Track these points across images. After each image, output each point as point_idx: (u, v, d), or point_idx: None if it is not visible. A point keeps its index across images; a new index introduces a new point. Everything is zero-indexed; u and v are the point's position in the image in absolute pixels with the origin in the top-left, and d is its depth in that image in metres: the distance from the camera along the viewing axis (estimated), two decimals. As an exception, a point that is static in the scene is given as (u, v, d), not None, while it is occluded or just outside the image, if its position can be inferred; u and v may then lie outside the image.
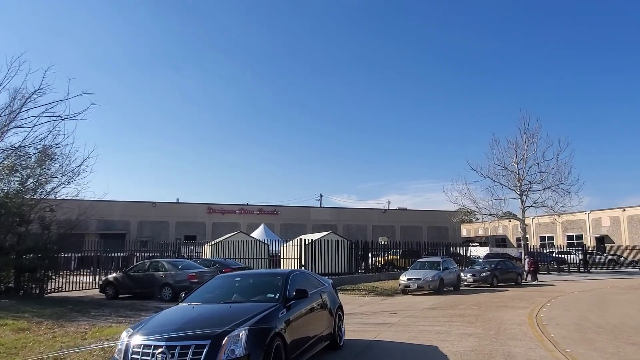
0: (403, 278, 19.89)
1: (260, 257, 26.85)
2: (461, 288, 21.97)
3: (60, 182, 17.61)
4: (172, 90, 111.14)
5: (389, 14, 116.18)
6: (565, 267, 37.35)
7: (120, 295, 16.76)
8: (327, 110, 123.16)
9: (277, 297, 6.01)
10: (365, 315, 12.70)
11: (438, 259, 21.67)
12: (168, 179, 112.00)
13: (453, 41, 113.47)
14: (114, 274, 17.80)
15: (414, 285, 19.34)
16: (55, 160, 17.40)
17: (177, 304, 6.27)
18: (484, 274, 23.35)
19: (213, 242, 29.40)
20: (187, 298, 6.37)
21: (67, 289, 19.19)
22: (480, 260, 28.70)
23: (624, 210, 56.34)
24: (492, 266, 24.14)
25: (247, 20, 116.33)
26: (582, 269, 37.01)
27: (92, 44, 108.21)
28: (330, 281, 8.27)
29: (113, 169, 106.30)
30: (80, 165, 17.37)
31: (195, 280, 15.53)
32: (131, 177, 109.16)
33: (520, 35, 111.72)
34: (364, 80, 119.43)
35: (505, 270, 24.69)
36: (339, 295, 8.42)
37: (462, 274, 23.01)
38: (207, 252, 28.90)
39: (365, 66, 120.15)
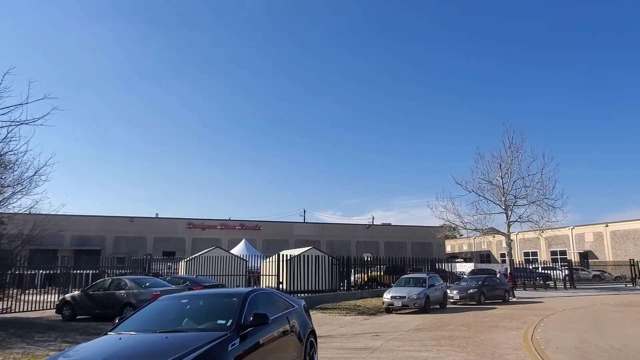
0: (387, 296, 18.75)
1: (237, 273, 25.48)
2: (448, 306, 20.91)
3: (13, 192, 15.95)
4: (155, 106, 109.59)
5: (373, 31, 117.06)
6: (551, 283, 36.68)
7: (78, 317, 15.24)
8: (312, 126, 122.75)
9: (229, 323, 4.82)
10: (345, 339, 11.51)
11: (423, 275, 20.60)
12: (148, 194, 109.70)
13: (438, 57, 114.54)
14: (72, 293, 16.26)
15: (398, 303, 18.20)
16: (9, 168, 15.83)
17: (106, 333, 5.02)
18: (471, 291, 22.35)
19: (188, 259, 27.93)
20: (119, 325, 5.10)
21: (22, 310, 17.52)
22: (466, 277, 27.73)
23: (607, 226, 56.33)
24: (480, 283, 23.17)
25: (229, 34, 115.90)
26: (568, 285, 36.35)
27: (82, 62, 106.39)
28: (302, 302, 7.10)
29: (89, 184, 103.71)
30: (35, 173, 15.73)
31: (160, 300, 14.20)
32: (109, 192, 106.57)
33: (505, 51, 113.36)
34: (348, 96, 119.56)
35: (493, 287, 23.75)
36: (311, 317, 7.23)
37: (448, 291, 21.99)
38: (182, 268, 27.44)
39: (350, 82, 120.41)
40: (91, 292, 15.37)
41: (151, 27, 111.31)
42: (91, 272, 27.95)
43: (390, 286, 23.30)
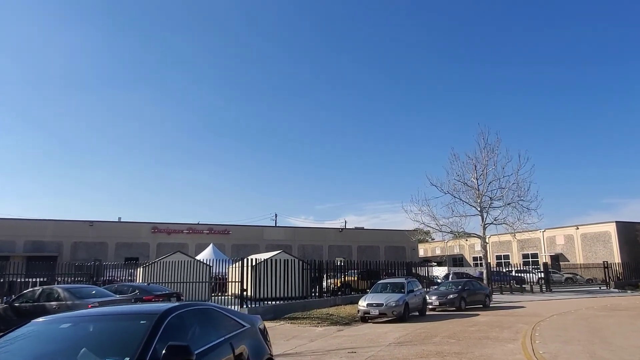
0: (362, 303, 17.03)
1: (200, 280, 23.28)
2: (427, 312, 19.40)
3: None
4: (120, 110, 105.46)
5: (345, 33, 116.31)
6: (527, 287, 35.91)
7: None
8: (284, 130, 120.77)
9: (126, 365, 3.01)
10: (316, 357, 9.73)
11: (402, 280, 18.98)
12: (109, 197, 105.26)
13: (410, 61, 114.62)
14: (-4, 305, 13.89)
15: (375, 311, 16.51)
16: None
17: None
18: (451, 296, 20.91)
19: (146, 264, 25.56)
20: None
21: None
22: (444, 281, 26.34)
23: (578, 229, 56.57)
24: (460, 287, 21.77)
25: (200, 37, 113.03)
26: (544, 288, 35.59)
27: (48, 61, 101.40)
28: (257, 319, 5.28)
29: (46, 187, 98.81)
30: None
31: (99, 313, 12.07)
32: (68, 196, 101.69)
33: (477, 54, 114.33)
34: (321, 99, 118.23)
35: (473, 291, 22.41)
36: (268, 339, 5.34)
37: (426, 297, 20.49)
38: (139, 275, 25.08)
39: (322, 85, 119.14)
40: (17, 305, 13.05)
41: (121, 30, 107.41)
42: (38, 280, 25.28)
43: (366, 292, 21.66)
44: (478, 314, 18.68)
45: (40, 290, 13.10)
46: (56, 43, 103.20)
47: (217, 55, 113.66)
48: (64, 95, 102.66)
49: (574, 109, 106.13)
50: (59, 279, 25.86)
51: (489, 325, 14.30)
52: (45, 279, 25.59)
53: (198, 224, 56.96)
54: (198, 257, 31.72)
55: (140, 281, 23.37)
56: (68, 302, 12.30)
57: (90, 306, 11.97)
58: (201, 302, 4.92)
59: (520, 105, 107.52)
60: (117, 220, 55.63)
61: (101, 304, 12.22)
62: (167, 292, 16.23)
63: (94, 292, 12.88)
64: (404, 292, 17.41)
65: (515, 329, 13.36)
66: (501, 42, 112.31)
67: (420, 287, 20.30)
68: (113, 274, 28.33)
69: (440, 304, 20.74)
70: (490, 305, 22.98)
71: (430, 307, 20.30)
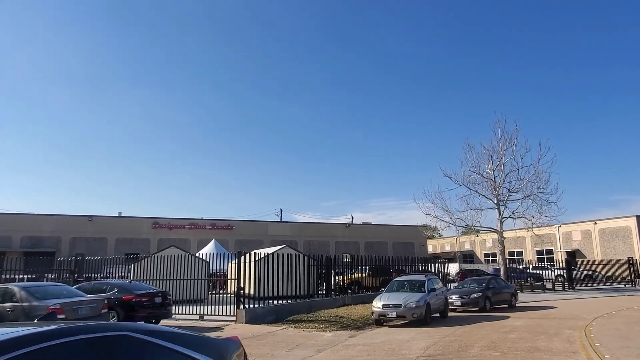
0: (377, 304, 14.79)
1: (197, 277, 21.09)
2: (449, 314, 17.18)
3: None
4: (122, 106, 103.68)
5: (352, 30, 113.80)
6: (549, 285, 33.56)
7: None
8: (289, 126, 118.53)
9: None
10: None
11: (421, 277, 16.69)
12: (110, 191, 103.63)
13: (416, 57, 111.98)
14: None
15: (392, 313, 14.28)
16: None
17: None
18: (475, 295, 18.63)
19: (137, 260, 23.43)
20: None
21: None
22: (468, 279, 24.00)
23: (595, 224, 54.10)
24: (483, 286, 19.49)
25: (207, 35, 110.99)
26: (566, 287, 33.23)
27: (45, 57, 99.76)
28: (235, 346, 3.07)
29: (45, 182, 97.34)
30: None
31: (61, 316, 9.95)
32: (67, 190, 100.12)
33: (484, 51, 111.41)
34: (327, 96, 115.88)
35: (498, 290, 20.13)
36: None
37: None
38: (131, 271, 23.01)
39: (329, 82, 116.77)
40: (-30, 307, 11.01)
41: (129, 28, 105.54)
42: (26, 276, 23.31)
43: (377, 290, 19.46)
44: (508, 316, 16.43)
45: (-7, 290, 11.05)
46: (62, 40, 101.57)
47: (222, 52, 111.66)
48: (65, 91, 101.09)
49: (578, 108, 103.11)
50: (49, 275, 23.95)
51: (530, 332, 12.04)
52: (34, 276, 23.70)
53: (201, 219, 55.10)
54: (200, 253, 29.66)
55: (132, 277, 21.33)
56: (24, 304, 10.21)
57: (49, 310, 9.87)
58: (118, 324, 2.66)
59: (526, 102, 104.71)
60: (117, 215, 53.94)
61: (63, 306, 10.13)
62: (151, 290, 14.10)
63: (53, 292, 10.77)
64: (425, 291, 15.17)
65: (565, 335, 11.13)
66: (512, 41, 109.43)
67: (442, 285, 18.03)
68: (111, 270, 26.42)
69: (462, 304, 18.49)
70: (517, 305, 20.73)
71: (450, 307, 18.07)
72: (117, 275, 25.43)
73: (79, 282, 17.81)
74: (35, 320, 2.94)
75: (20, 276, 22.82)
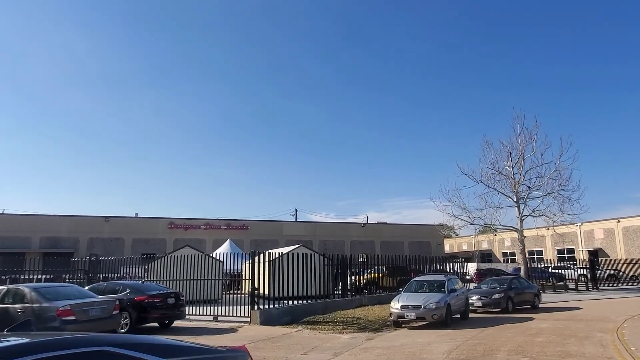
0: (396, 305, 14.29)
1: (211, 277, 20.78)
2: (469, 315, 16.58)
3: None
4: (141, 107, 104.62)
5: (367, 28, 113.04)
6: (571, 284, 32.60)
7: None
8: (303, 127, 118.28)
9: None
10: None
11: (441, 277, 16.14)
12: (126, 192, 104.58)
13: (430, 56, 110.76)
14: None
15: (411, 314, 13.78)
16: None
17: None
18: (496, 296, 18.00)
19: (152, 260, 23.27)
20: None
21: None
22: (488, 279, 23.30)
23: (619, 222, 52.60)
24: (505, 286, 18.82)
25: (222, 36, 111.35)
26: (590, 287, 32.24)
27: (64, 60, 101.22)
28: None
29: (62, 182, 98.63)
30: None
31: (71, 318, 9.70)
32: (84, 191, 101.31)
33: (494, 47, 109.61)
34: (342, 95, 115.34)
35: (521, 290, 19.43)
36: None
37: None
38: (149, 272, 22.86)
39: (343, 81, 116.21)
40: (-21, 308, 10.83)
41: (143, 29, 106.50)
42: (43, 277, 23.40)
43: (395, 291, 18.94)
44: (532, 318, 15.78)
45: (5, 290, 10.83)
46: (79, 42, 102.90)
47: (237, 52, 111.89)
48: (81, 92, 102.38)
49: (600, 104, 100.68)
50: (66, 276, 23.99)
51: (558, 334, 11.43)
52: (51, 276, 23.77)
53: (216, 219, 55.12)
54: (215, 253, 29.47)
55: (144, 278, 21.17)
56: (35, 305, 10.00)
57: (59, 311, 9.63)
58: (95, 338, 2.11)
59: (545, 99, 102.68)
60: (133, 215, 54.24)
61: (73, 307, 9.88)
62: (163, 291, 13.83)
63: (64, 293, 10.54)
64: (445, 292, 14.63)
65: (596, 339, 10.51)
66: (530, 37, 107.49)
67: (462, 285, 17.44)
68: (127, 271, 26.39)
69: (483, 305, 17.88)
70: (540, 306, 20.02)
71: (471, 308, 17.47)
72: (133, 275, 25.36)
73: (93, 283, 17.68)
74: (5, 331, 2.56)
75: (39, 276, 22.90)
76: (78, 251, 46.30)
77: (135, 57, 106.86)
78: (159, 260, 22.13)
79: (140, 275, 24.39)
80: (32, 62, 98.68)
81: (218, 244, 43.32)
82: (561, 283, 33.08)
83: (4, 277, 21.36)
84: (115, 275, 25.52)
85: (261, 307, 15.23)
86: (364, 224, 61.55)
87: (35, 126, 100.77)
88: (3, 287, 11.06)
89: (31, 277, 22.20)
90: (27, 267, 23.16)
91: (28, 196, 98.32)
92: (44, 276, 23.54)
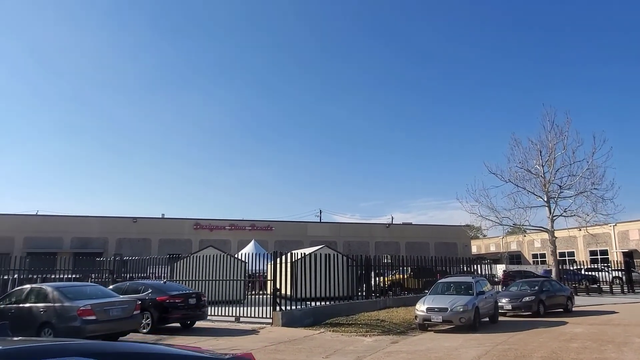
0: (421, 307, 13.84)
1: (234, 278, 20.71)
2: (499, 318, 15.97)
3: None
4: (168, 109, 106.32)
5: (393, 28, 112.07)
6: (605, 287, 31.34)
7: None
8: (328, 127, 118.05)
9: None
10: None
11: (469, 279, 15.58)
12: (153, 193, 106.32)
13: (456, 57, 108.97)
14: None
15: (437, 317, 13.32)
16: None
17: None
18: (527, 298, 17.30)
19: (178, 260, 23.37)
20: None
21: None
22: (517, 281, 22.53)
23: (656, 222, 50.39)
24: (536, 288, 18.09)
25: (247, 39, 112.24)
26: (626, 289, 30.93)
27: (96, 63, 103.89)
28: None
29: (90, 184, 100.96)
30: None
31: (92, 318, 9.66)
32: (113, 192, 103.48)
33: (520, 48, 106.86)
34: (368, 97, 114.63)
35: (553, 293, 18.64)
36: None
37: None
38: (173, 272, 23.01)
39: (369, 83, 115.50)
40: (2, 306, 10.89)
41: (174, 32, 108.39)
42: (73, 276, 23.77)
43: (420, 292, 18.45)
44: (566, 322, 15.07)
45: (28, 289, 10.90)
46: (111, 45, 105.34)
47: (261, 54, 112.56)
48: (114, 95, 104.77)
49: (633, 104, 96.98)
50: (93, 275, 24.38)
51: (594, 340, 10.80)
52: (79, 275, 24.15)
53: (240, 220, 55.46)
54: (239, 254, 29.50)
55: (167, 278, 21.26)
56: (56, 305, 10.00)
57: (79, 311, 9.61)
58: (67, 345, 2.00)
59: (577, 98, 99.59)
60: (160, 216, 55.06)
61: (94, 307, 9.85)
62: (185, 291, 13.77)
63: (86, 292, 10.55)
64: (473, 294, 14.09)
65: (635, 345, 9.86)
66: (562, 36, 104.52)
67: (491, 287, 16.83)
68: (153, 271, 26.67)
69: (513, 308, 17.22)
70: (573, 309, 19.19)
71: (500, 311, 16.84)
72: (159, 275, 25.58)
73: (118, 282, 17.83)
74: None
75: (68, 276, 23.31)
76: (107, 251, 47.23)
77: (164, 59, 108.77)
78: (183, 260, 22.20)
79: (166, 275, 24.59)
80: (69, 64, 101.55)
81: (243, 245, 43.49)
82: (595, 286, 31.87)
83: (35, 276, 21.76)
84: (142, 275, 25.76)
85: (283, 308, 15.01)
86: (389, 224, 60.87)
87: (68, 128, 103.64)
88: (27, 286, 11.17)
89: (61, 276, 22.59)
90: (58, 266, 23.65)
91: (60, 197, 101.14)
92: (72, 275, 23.91)
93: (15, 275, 19.70)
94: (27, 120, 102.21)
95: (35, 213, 51.54)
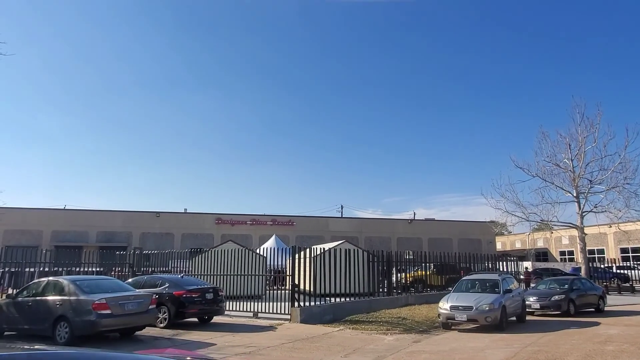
0: (444, 305, 13.32)
1: (254, 272, 20.50)
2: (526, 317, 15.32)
3: None
4: (189, 109, 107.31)
5: (408, 31, 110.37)
6: (638, 286, 30.12)
7: (6, 332, 10.86)
8: (350, 123, 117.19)
9: None
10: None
11: (495, 276, 14.97)
12: (176, 188, 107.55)
13: (481, 49, 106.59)
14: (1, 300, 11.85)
15: (461, 316, 12.79)
16: None
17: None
18: (557, 297, 16.55)
19: (198, 255, 23.33)
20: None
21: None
22: (546, 279, 21.71)
23: (691, 218, 48.17)
24: (566, 287, 17.31)
25: (265, 39, 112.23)
26: (662, 289, 29.66)
27: (111, 67, 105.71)
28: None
29: (114, 179, 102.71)
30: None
31: (107, 312, 9.51)
32: (136, 187, 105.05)
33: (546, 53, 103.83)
34: (391, 92, 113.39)
35: (584, 292, 17.82)
36: None
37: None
38: (189, 266, 22.99)
39: (391, 78, 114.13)
40: (20, 299, 10.87)
41: (196, 33, 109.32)
42: (96, 269, 23.99)
43: (443, 289, 17.89)
44: (598, 322, 14.33)
45: (45, 282, 10.83)
46: (135, 43, 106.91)
47: (280, 57, 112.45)
48: (138, 93, 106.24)
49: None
50: (116, 269, 24.58)
51: (632, 343, 10.13)
52: (101, 269, 24.37)
53: (262, 215, 55.43)
54: (260, 248, 29.38)
55: (185, 272, 21.21)
56: (72, 298, 9.89)
57: (95, 305, 9.46)
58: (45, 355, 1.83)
59: (607, 89, 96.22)
60: (182, 211, 55.52)
61: (109, 301, 9.69)
62: (202, 286, 13.56)
63: (102, 285, 10.42)
64: (499, 292, 13.50)
65: (679, 350, 9.19)
66: (588, 27, 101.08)
67: (518, 285, 16.16)
68: (175, 265, 26.78)
69: (541, 307, 16.51)
70: (605, 309, 18.33)
71: (528, 310, 16.16)
72: (179, 270, 25.64)
73: (137, 276, 17.83)
74: None
75: (93, 269, 23.55)
76: (131, 245, 47.87)
77: (188, 57, 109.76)
78: (202, 254, 22.10)
79: (187, 269, 24.61)
80: (97, 63, 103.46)
81: (264, 240, 43.42)
82: (627, 284, 30.66)
83: (60, 269, 22.00)
84: (163, 269, 25.84)
85: (302, 304, 14.68)
86: (411, 220, 60.01)
87: (93, 126, 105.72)
88: (44, 279, 11.12)
89: (86, 269, 22.81)
90: (83, 260, 23.88)
91: (86, 191, 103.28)
92: (95, 269, 24.12)
93: (41, 268, 19.93)
94: (56, 120, 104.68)
95: (62, 208, 52.64)
